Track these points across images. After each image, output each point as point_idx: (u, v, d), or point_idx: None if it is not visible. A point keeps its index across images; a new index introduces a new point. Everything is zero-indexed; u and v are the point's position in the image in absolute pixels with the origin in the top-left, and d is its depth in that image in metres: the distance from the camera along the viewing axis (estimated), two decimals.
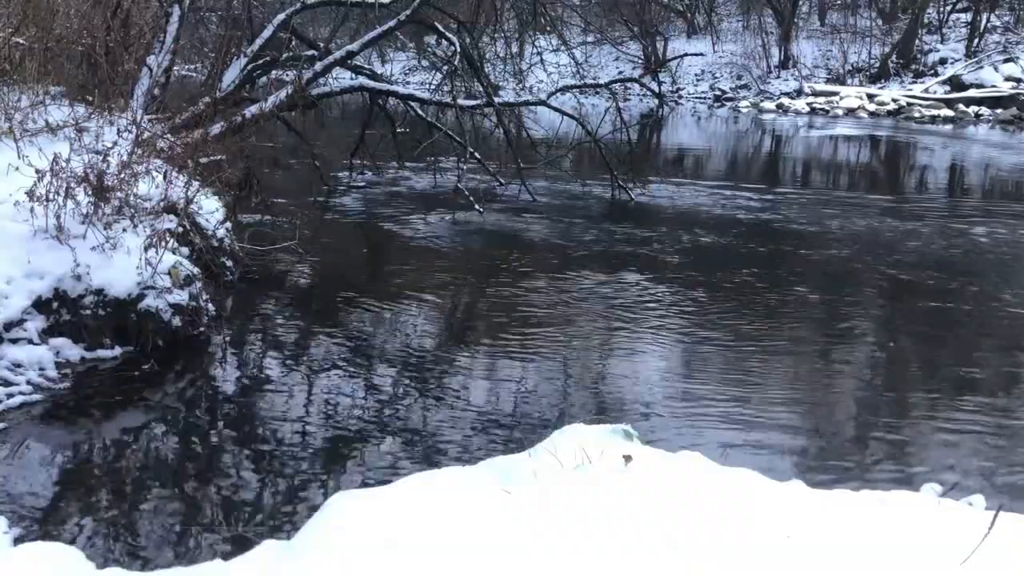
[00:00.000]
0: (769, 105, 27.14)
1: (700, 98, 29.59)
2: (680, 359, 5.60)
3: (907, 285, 7.54)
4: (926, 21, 29.33)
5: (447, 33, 10.60)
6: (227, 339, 5.62)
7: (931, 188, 13.95)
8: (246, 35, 10.05)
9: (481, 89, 10.87)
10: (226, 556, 2.88)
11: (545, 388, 5.03)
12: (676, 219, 9.97)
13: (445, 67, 11.69)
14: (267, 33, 9.59)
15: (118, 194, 5.54)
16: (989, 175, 15.24)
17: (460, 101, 10.46)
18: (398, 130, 11.42)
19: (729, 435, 4.41)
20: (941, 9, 29.87)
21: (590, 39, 28.23)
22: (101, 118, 7.03)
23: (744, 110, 26.65)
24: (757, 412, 4.70)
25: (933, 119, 24.01)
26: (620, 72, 29.46)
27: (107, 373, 4.89)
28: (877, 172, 16.27)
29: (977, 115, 24.32)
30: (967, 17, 28.79)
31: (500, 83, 15.46)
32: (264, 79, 10.42)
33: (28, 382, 4.57)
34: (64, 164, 5.29)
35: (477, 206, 9.59)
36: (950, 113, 24.58)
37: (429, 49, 19.65)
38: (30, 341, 4.78)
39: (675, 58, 28.96)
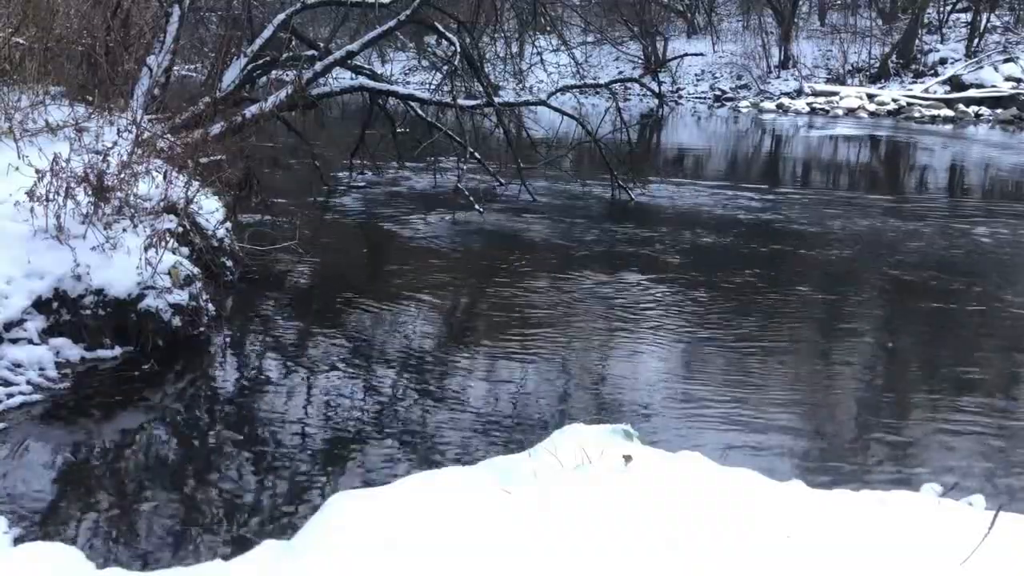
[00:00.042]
0: (769, 105, 27.14)
1: (700, 98, 29.59)
2: (680, 359, 5.60)
3: (907, 285, 7.54)
4: (926, 21, 29.33)
5: (447, 33, 10.60)
6: (227, 339, 5.62)
7: (931, 188, 13.95)
8: (246, 35, 10.05)
9: (481, 89, 10.87)
10: (226, 556, 2.88)
11: (545, 388, 5.03)
12: (676, 219, 9.97)
13: (445, 67, 11.69)
14: (267, 33, 9.59)
15: (118, 194, 5.54)
16: (989, 175, 15.24)
17: (460, 101, 10.46)
18: (398, 130, 11.42)
19: (729, 435, 4.41)
20: (941, 9, 29.87)
21: (590, 39, 28.23)
22: (101, 118, 7.03)
23: (744, 110, 26.65)
24: (757, 412, 4.70)
25: (933, 119, 24.01)
26: (620, 72, 29.46)
27: (107, 373, 4.89)
28: (877, 172, 16.27)
29: (977, 115, 24.33)
30: (967, 17, 28.80)
31: (500, 83, 15.47)
32: (264, 79, 10.43)
33: (28, 382, 4.57)
34: (64, 164, 5.29)
35: (477, 206, 9.59)
36: (950, 113, 24.58)
37: (429, 49, 19.65)
38: (30, 341, 4.78)
39: (675, 58, 28.97)
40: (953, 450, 4.38)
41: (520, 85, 17.14)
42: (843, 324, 6.39)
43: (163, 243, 5.34)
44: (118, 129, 6.72)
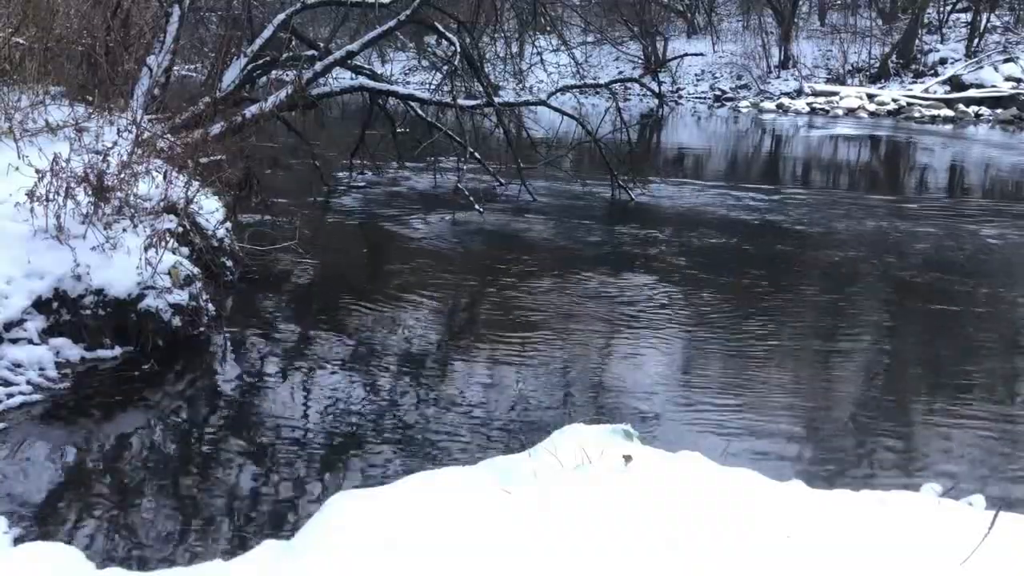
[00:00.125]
0: (769, 105, 27.14)
1: (700, 98, 29.59)
2: (680, 359, 5.60)
3: (908, 285, 7.54)
4: (926, 21, 29.33)
5: (447, 33, 10.60)
6: (227, 339, 5.62)
7: (932, 188, 13.95)
8: (246, 35, 10.05)
9: (481, 89, 10.87)
10: (226, 556, 2.88)
11: (545, 388, 5.03)
12: (676, 219, 9.97)
13: (445, 67, 11.69)
14: (267, 33, 9.59)
15: (118, 194, 5.54)
16: (990, 175, 15.25)
17: (460, 101, 10.46)
18: (398, 130, 11.42)
19: (729, 435, 4.40)
20: (941, 9, 29.87)
21: (590, 39, 28.23)
22: (101, 118, 7.03)
23: (744, 110, 26.65)
24: (757, 412, 4.70)
25: (933, 119, 24.02)
26: (620, 72, 29.46)
27: (107, 373, 4.89)
28: (877, 172, 16.27)
29: (977, 115, 24.33)
30: (967, 17, 28.80)
31: (500, 83, 15.47)
32: (264, 79, 10.42)
33: (28, 382, 4.57)
34: (64, 164, 5.29)
35: (477, 206, 9.59)
36: (950, 113, 24.59)
37: (429, 49, 19.65)
38: (30, 341, 4.78)
39: (675, 58, 28.98)
40: (953, 450, 4.38)
41: (520, 85, 17.15)
42: (843, 324, 6.39)
43: (163, 243, 5.34)
44: (118, 129, 6.72)
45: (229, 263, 6.56)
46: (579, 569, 2.25)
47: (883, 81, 27.92)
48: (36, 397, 4.49)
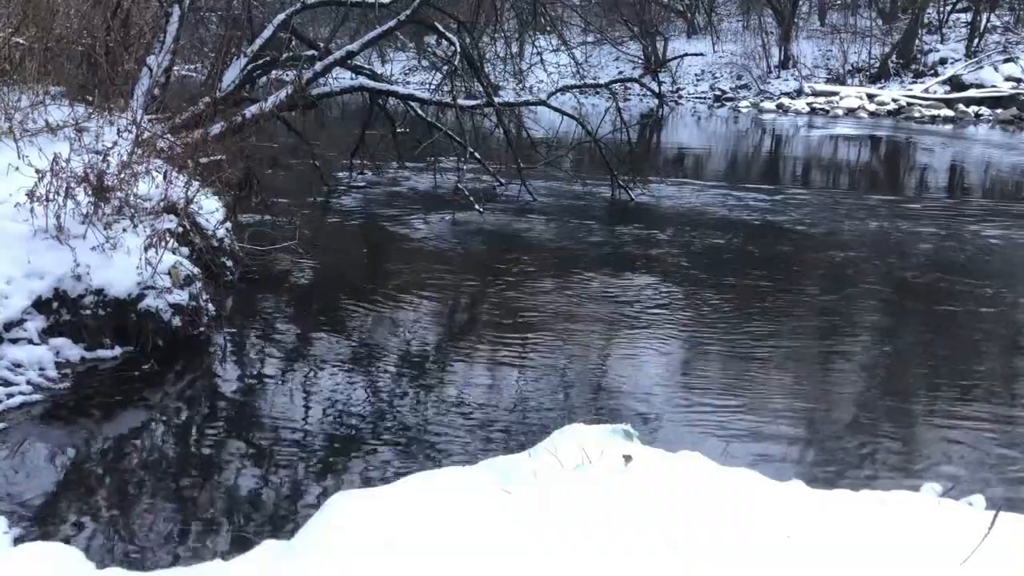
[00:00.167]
0: (769, 105, 27.14)
1: (700, 98, 29.60)
2: (680, 359, 5.60)
3: (908, 285, 7.54)
4: (926, 21, 29.33)
5: (447, 33, 10.60)
6: (227, 339, 5.62)
7: (932, 188, 13.95)
8: (246, 35, 10.05)
9: (481, 89, 10.87)
10: (226, 556, 2.88)
11: (545, 388, 5.03)
12: (677, 219, 9.97)
13: (445, 67, 11.69)
14: (267, 33, 9.59)
15: (118, 194, 5.54)
16: (990, 175, 15.24)
17: (460, 101, 10.46)
18: (398, 130, 11.42)
19: (729, 435, 4.40)
20: (941, 9, 29.88)
21: (590, 39, 28.24)
22: (101, 118, 7.03)
23: (744, 110, 26.66)
24: (757, 412, 4.70)
25: (933, 119, 24.02)
26: (620, 72, 29.47)
27: (107, 373, 4.89)
28: (878, 172, 16.27)
29: (977, 115, 24.33)
30: (967, 17, 28.80)
31: (500, 83, 15.47)
32: (264, 79, 10.42)
33: (28, 382, 4.57)
34: (64, 164, 5.29)
35: (477, 206, 9.59)
36: (950, 113, 24.59)
37: (429, 49, 19.66)
38: (30, 341, 4.78)
39: (675, 58, 28.98)
40: (954, 450, 4.38)
41: (520, 85, 17.15)
42: (844, 324, 6.39)
43: (163, 243, 5.34)
44: (118, 129, 6.72)
45: (229, 263, 6.56)
46: (579, 569, 2.25)
47: (883, 81, 27.92)
48: (36, 397, 4.49)
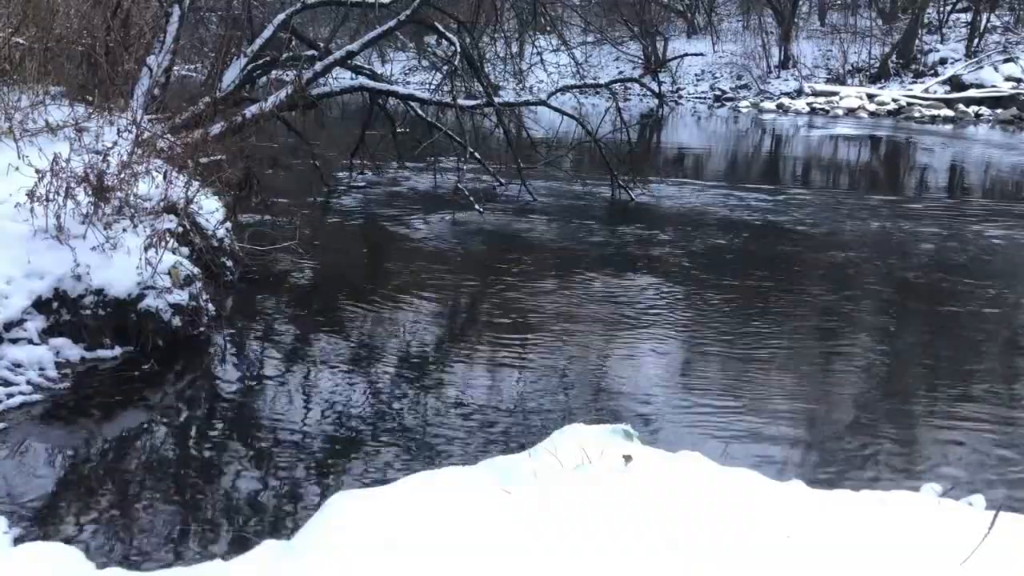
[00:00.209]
0: (769, 105, 27.14)
1: (700, 98, 29.60)
2: (681, 359, 5.60)
3: (908, 285, 7.54)
4: (926, 21, 29.34)
5: (447, 33, 10.60)
6: (227, 339, 5.62)
7: (932, 188, 13.95)
8: (246, 35, 10.05)
9: (481, 89, 10.87)
10: (226, 556, 2.88)
11: (545, 388, 5.02)
12: (677, 219, 9.97)
13: (445, 67, 11.69)
14: (267, 33, 9.59)
15: (118, 194, 5.54)
16: (990, 175, 15.24)
17: (460, 101, 10.46)
18: (398, 130, 11.42)
19: (729, 435, 4.40)
20: (941, 9, 29.88)
21: (590, 39, 28.24)
22: (101, 118, 7.03)
23: (744, 110, 26.66)
24: (758, 412, 4.70)
25: (933, 119, 24.02)
26: (620, 72, 29.47)
27: (107, 373, 4.89)
28: (878, 172, 16.27)
29: (977, 115, 24.33)
30: (967, 17, 28.80)
31: (500, 83, 15.47)
32: (264, 79, 10.42)
33: (28, 382, 4.57)
34: (64, 164, 5.29)
35: (477, 206, 9.59)
36: (950, 113, 24.59)
37: (429, 49, 19.66)
38: (30, 341, 4.78)
39: (675, 58, 28.99)
40: (954, 451, 4.38)
41: (520, 85, 17.15)
42: (844, 325, 6.39)
43: (163, 243, 5.34)
44: (118, 129, 6.72)
45: (229, 263, 6.56)
46: (579, 569, 2.25)
47: (883, 81, 27.92)
48: (36, 397, 4.49)
